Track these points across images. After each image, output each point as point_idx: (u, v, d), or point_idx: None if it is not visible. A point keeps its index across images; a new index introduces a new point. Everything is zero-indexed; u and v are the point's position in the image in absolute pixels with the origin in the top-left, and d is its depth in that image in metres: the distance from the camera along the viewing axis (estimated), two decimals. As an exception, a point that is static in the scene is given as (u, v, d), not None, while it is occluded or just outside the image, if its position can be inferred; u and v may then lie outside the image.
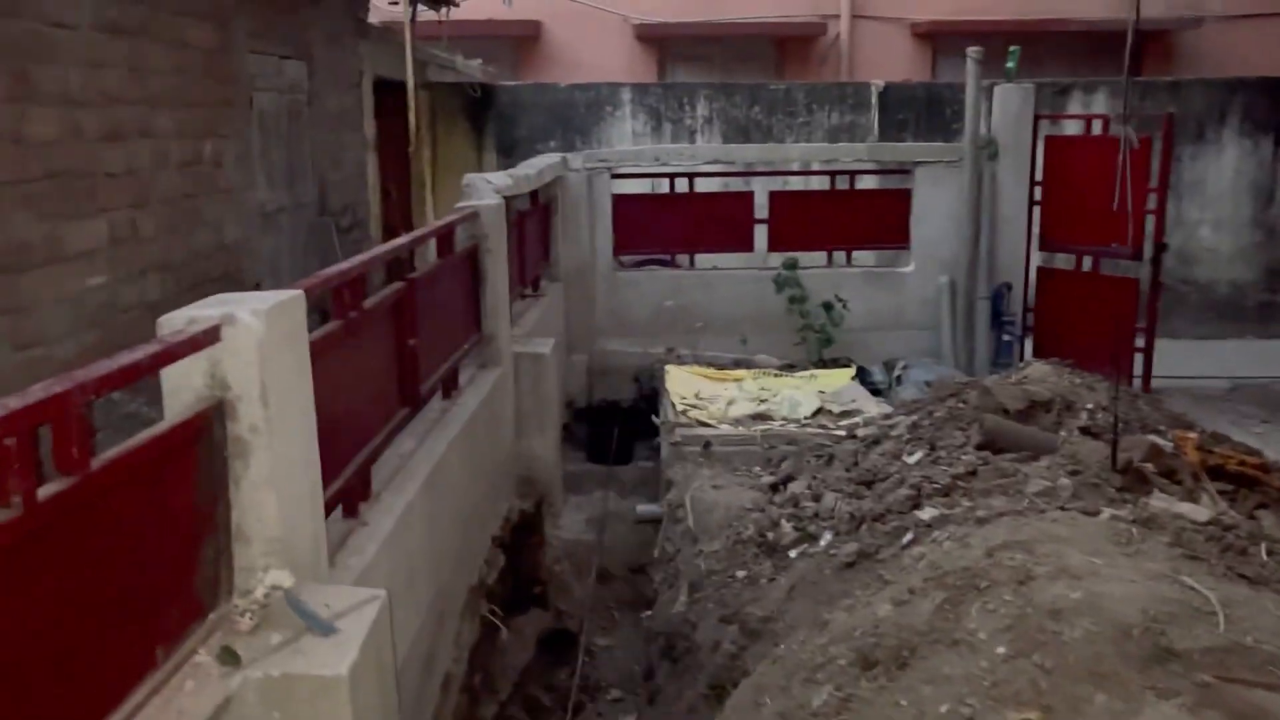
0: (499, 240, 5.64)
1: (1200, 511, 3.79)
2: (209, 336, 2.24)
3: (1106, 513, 3.85)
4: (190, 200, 5.25)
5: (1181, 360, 10.03)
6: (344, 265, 3.24)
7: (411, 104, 5.95)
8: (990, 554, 3.55)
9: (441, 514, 4.18)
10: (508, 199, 6.41)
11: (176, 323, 2.28)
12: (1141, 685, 2.68)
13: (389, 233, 10.00)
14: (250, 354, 2.30)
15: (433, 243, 4.99)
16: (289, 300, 2.51)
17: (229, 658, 2.17)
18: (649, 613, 6.35)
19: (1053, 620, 2.98)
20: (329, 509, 3.18)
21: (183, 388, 2.27)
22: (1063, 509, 3.99)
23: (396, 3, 6.40)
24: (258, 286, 6.25)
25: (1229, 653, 2.81)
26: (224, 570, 2.34)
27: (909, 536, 4.62)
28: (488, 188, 5.72)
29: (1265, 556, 3.55)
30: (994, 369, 9.35)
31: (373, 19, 9.09)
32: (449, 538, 4.35)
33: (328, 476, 3.03)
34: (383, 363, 3.85)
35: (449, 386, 4.93)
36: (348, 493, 3.35)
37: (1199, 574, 3.29)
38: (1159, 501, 3.95)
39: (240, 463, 2.34)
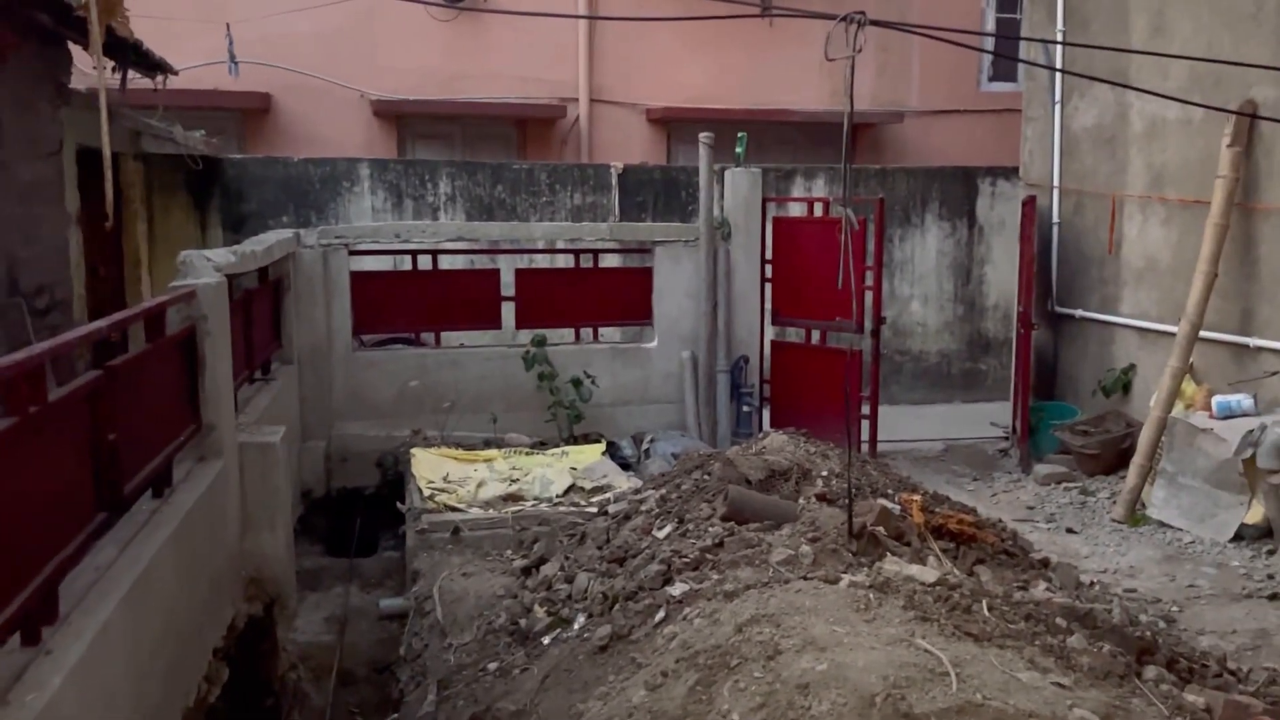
0: (220, 321, 5.21)
1: (928, 573, 3.97)
2: None
3: (846, 579, 3.96)
4: None
5: (900, 424, 10.81)
6: (19, 354, 2.83)
7: (108, 174, 5.45)
8: (740, 630, 3.55)
9: (149, 631, 3.70)
10: (232, 277, 5.98)
11: None
12: (887, 754, 2.71)
13: (97, 315, 9.11)
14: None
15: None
16: (-63, 397, 2.12)
17: None
18: (395, 715, 5.95)
19: (801, 695, 2.99)
20: (1, 638, 2.72)
21: None
22: (805, 578, 4.07)
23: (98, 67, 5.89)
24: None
25: (962, 712, 2.91)
26: None
27: (661, 614, 4.57)
28: (207, 265, 5.29)
29: (987, 612, 3.75)
30: (735, 438, 9.66)
31: (78, 84, 8.35)
32: (159, 656, 3.86)
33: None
34: (74, 462, 3.39)
35: (160, 483, 4.44)
36: (25, 617, 2.88)
37: (931, 635, 3.42)
38: (891, 565, 4.11)
39: None
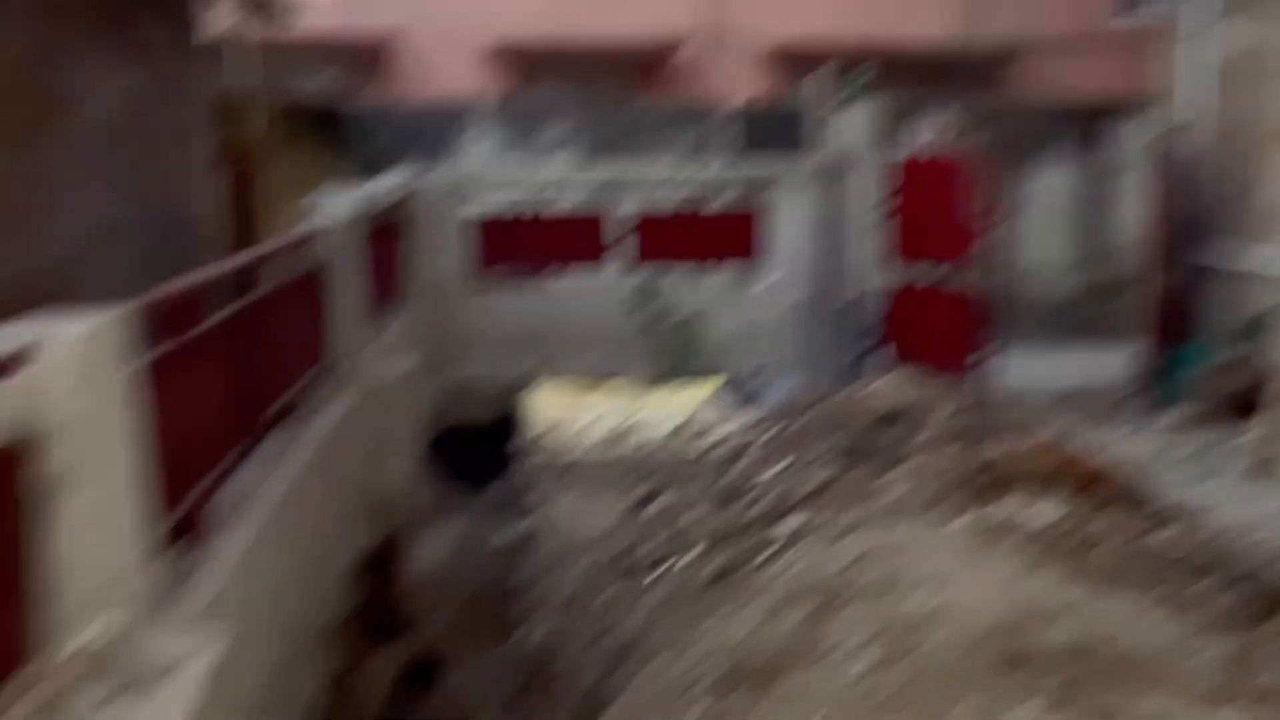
0: (346, 260, 5.43)
1: (1046, 514, 3.92)
2: (16, 365, 2.02)
3: (960, 520, 3.95)
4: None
5: (1021, 368, 10.53)
6: (174, 285, 3.02)
7: (240, 121, 5.67)
8: (851, 566, 3.59)
9: (290, 548, 3.95)
10: (357, 218, 6.19)
11: (-24, 352, 2.05)
12: (998, 692, 2.73)
13: (232, 253, 9.54)
14: (63, 386, 2.09)
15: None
16: (108, 323, 2.30)
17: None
18: (512, 639, 6.22)
19: (912, 631, 3.02)
20: (165, 544, 2.94)
21: (-14, 422, 2.04)
22: (919, 518, 4.07)
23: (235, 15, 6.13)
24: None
25: (1075, 654, 2.90)
26: (42, 620, 2.11)
27: (771, 550, 4.64)
28: (334, 207, 5.50)
29: (1106, 556, 3.69)
30: (849, 379, 9.59)
31: (211, 31, 8.68)
32: (299, 572, 4.12)
33: (162, 509, 2.81)
34: (223, 387, 3.62)
35: (297, 413, 4.68)
36: (186, 527, 3.11)
37: (1046, 576, 3.40)
38: (1008, 507, 4.07)
39: (55, 503, 2.11)
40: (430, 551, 7.52)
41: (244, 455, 3.85)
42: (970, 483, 4.82)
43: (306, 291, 5.05)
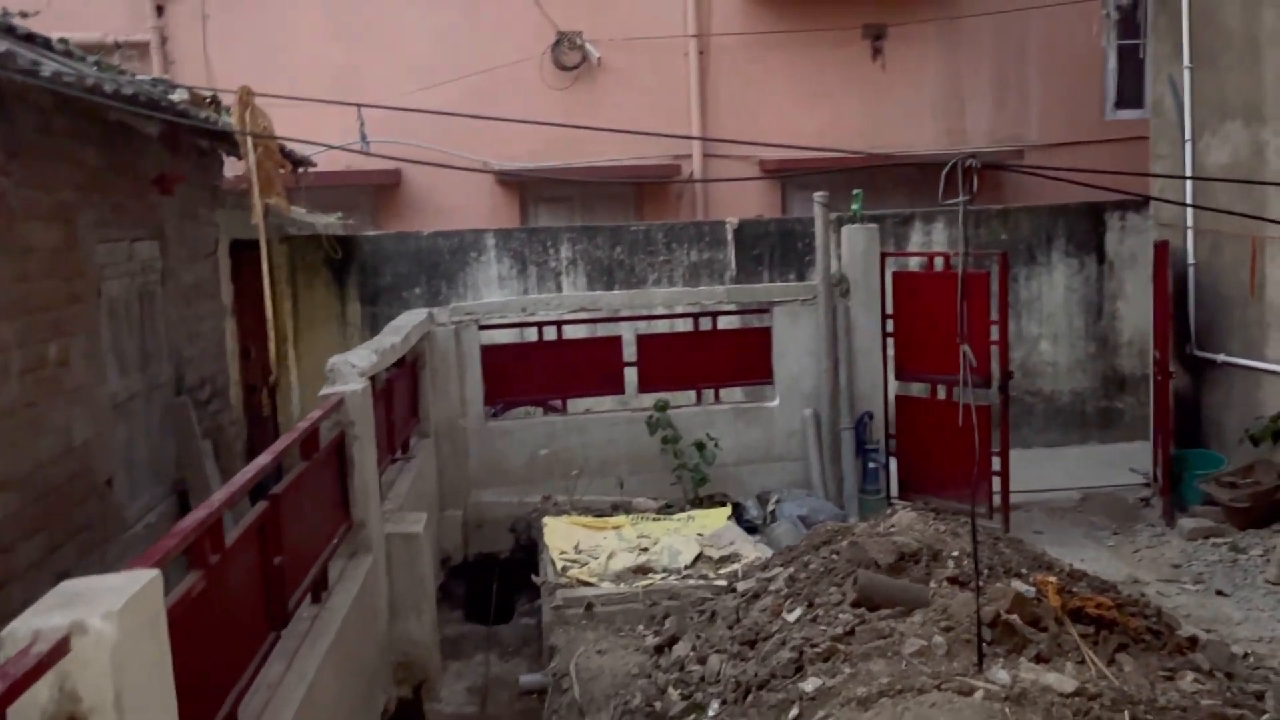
0: (366, 424, 5.55)
1: (1066, 682, 3.94)
2: (57, 652, 2.11)
3: (980, 690, 3.96)
4: (33, 408, 5.00)
5: (1034, 470, 10.56)
6: (200, 514, 3.12)
7: (269, 299, 5.88)
8: (875, 747, 3.60)
9: (317, 737, 3.99)
10: (378, 376, 6.34)
11: (20, 636, 2.14)
12: None
13: (250, 393, 9.73)
14: (103, 663, 2.17)
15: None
16: (144, 589, 2.39)
17: None
18: (540, 793, 6.16)
19: (938, 830, 3.03)
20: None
21: (26, 707, 2.12)
22: (940, 687, 4.08)
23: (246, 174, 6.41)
24: (109, 483, 5.96)
25: None
26: None
27: (794, 712, 4.65)
28: (352, 371, 5.64)
29: (1130, 723, 3.70)
30: (862, 495, 9.63)
31: (228, 171, 9.00)
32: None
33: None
34: (248, 591, 3.70)
35: (319, 588, 4.75)
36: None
37: (1071, 755, 3.40)
38: (1028, 672, 4.09)
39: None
40: (453, 694, 7.49)
41: (271, 650, 3.91)
42: (990, 629, 4.85)
43: (329, 461, 5.16)
